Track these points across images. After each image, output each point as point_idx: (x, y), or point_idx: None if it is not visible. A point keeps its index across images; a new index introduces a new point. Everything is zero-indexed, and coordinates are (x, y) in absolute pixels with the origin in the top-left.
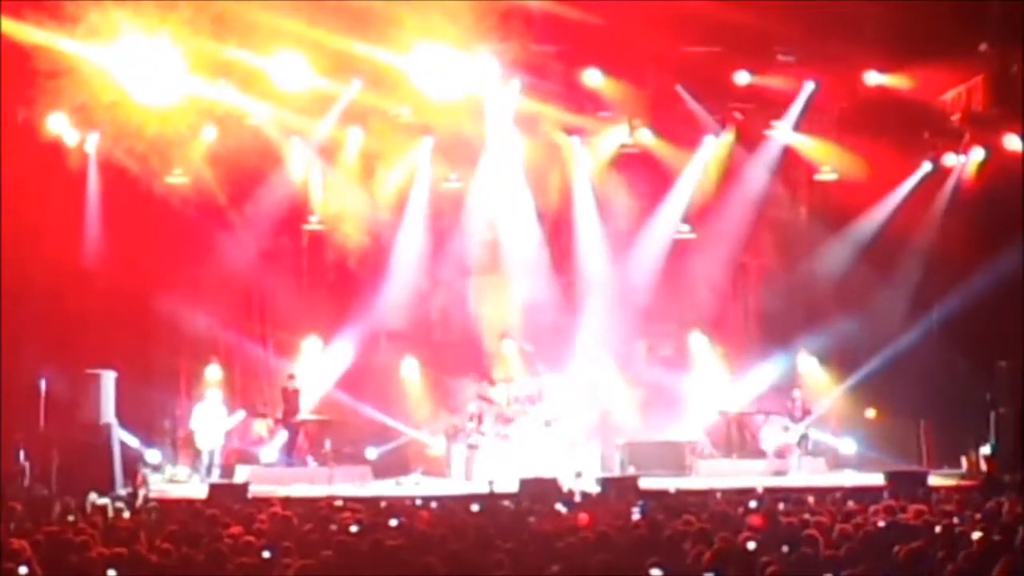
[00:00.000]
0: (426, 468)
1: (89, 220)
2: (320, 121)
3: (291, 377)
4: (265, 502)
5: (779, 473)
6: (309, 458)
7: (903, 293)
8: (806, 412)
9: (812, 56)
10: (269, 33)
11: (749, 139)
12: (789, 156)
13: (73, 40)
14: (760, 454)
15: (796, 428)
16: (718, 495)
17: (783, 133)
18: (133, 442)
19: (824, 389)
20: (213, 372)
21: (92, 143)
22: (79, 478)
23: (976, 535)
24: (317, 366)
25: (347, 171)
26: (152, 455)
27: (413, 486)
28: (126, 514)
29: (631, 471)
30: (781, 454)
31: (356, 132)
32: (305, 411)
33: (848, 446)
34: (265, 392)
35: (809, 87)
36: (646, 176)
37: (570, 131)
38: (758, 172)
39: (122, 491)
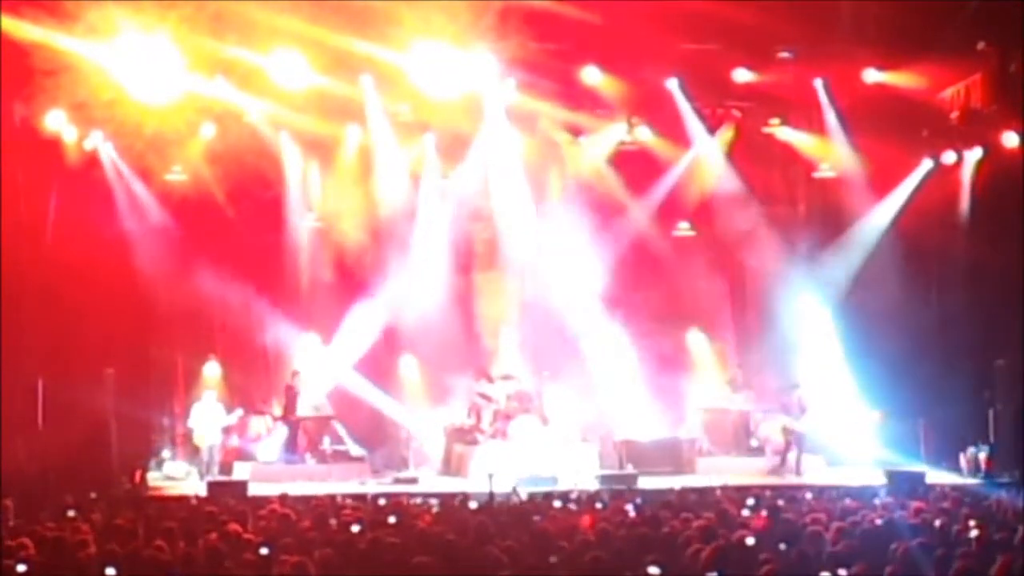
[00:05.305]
0: (425, 465)
1: (88, 217)
2: (319, 119)
3: (295, 375)
4: (264, 500)
5: (777, 471)
6: (308, 455)
7: (902, 290)
8: (804, 410)
9: (812, 54)
10: (268, 31)
11: (748, 137)
12: (788, 153)
13: (71, 37)
14: (759, 452)
15: (795, 425)
16: (717, 493)
17: (782, 131)
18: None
19: (823, 386)
20: (211, 370)
21: (91, 141)
22: (78, 476)
23: (974, 533)
24: (316, 364)
25: (345, 169)
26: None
27: (411, 484)
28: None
29: (630, 469)
30: (779, 452)
31: (355, 129)
32: (305, 408)
33: (847, 444)
34: (264, 389)
35: (819, 84)
36: (644, 173)
37: (569, 129)
38: (756, 169)
39: (121, 489)
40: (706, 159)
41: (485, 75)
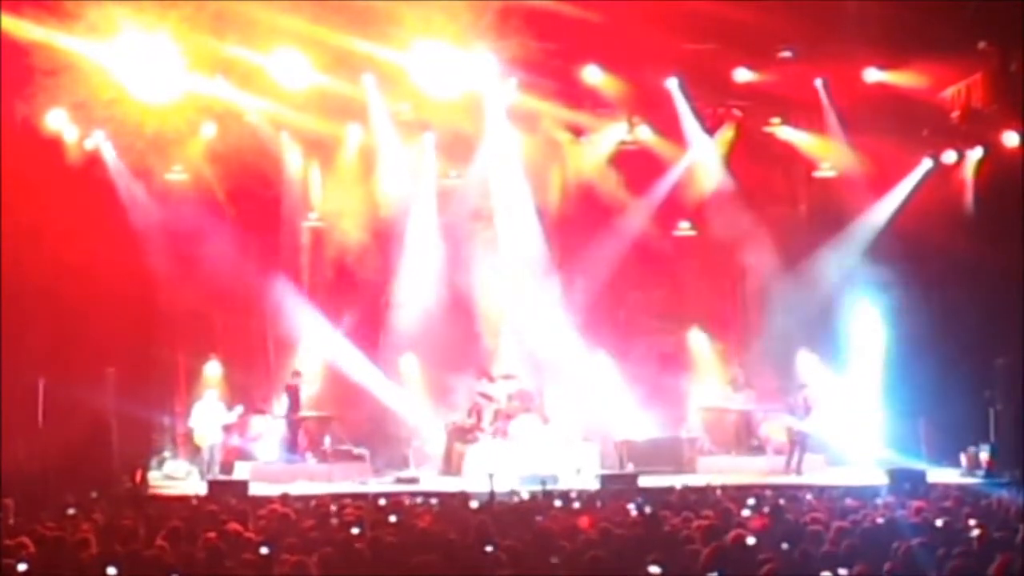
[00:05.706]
0: (426, 465)
1: (89, 217)
2: (320, 118)
3: (296, 374)
4: (264, 499)
5: (779, 470)
6: (308, 455)
7: (902, 290)
8: (809, 410)
9: (812, 53)
10: (268, 30)
11: (748, 136)
12: (788, 153)
13: (72, 37)
14: (759, 451)
15: (800, 425)
16: (718, 492)
17: (782, 130)
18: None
19: (826, 386)
20: (212, 369)
21: (92, 140)
22: (79, 475)
23: (975, 532)
24: (316, 363)
25: (346, 168)
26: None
27: (412, 483)
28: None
29: (630, 468)
30: (782, 451)
31: (355, 129)
32: (305, 407)
33: (848, 443)
34: (265, 389)
35: (819, 84)
36: (645, 173)
37: (569, 128)
38: (757, 169)
39: (121, 488)
40: (706, 159)
41: (486, 75)
